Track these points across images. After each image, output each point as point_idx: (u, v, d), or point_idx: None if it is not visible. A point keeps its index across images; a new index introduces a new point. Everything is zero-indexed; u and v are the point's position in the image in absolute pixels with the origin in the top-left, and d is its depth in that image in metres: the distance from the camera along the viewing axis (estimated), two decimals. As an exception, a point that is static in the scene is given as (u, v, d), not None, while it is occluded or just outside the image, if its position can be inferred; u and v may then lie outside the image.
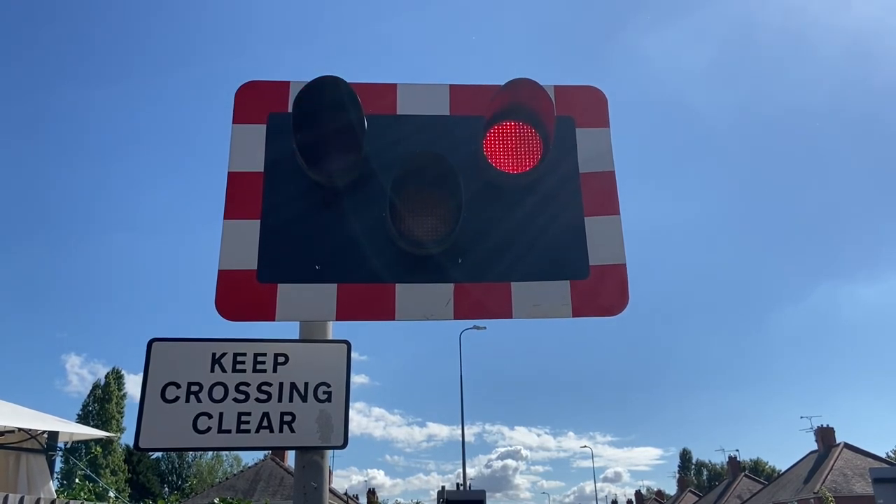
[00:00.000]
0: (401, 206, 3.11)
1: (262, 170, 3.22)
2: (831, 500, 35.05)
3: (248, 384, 3.08)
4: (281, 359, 3.15)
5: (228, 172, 3.20)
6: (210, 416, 3.01)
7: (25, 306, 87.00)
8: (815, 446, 46.12)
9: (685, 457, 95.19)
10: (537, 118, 3.26)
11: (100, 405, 63.09)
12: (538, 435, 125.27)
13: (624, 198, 3.31)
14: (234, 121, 3.31)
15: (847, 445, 43.09)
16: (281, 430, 3.03)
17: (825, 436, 44.97)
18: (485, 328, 34.25)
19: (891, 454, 61.90)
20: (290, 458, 36.02)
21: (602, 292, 3.15)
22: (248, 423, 3.02)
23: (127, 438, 60.12)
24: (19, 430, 8.00)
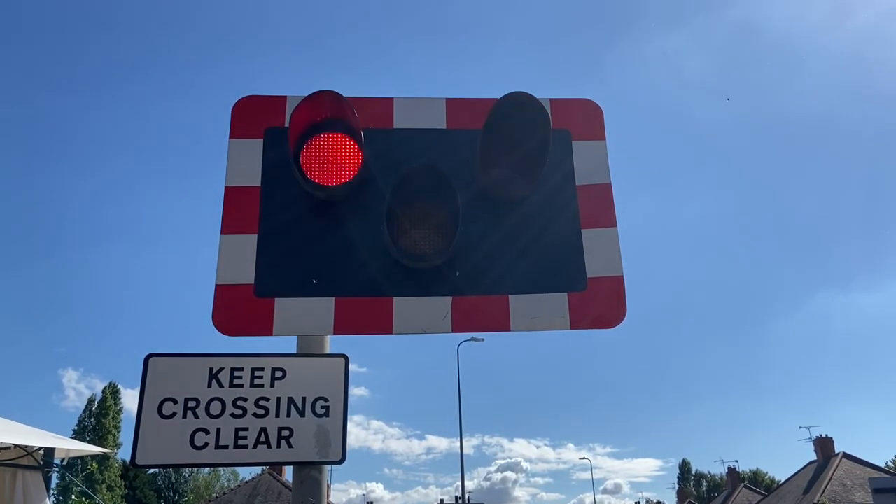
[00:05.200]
0: (398, 219, 3.11)
1: (259, 184, 3.22)
2: (831, 511, 34.89)
3: (245, 399, 3.07)
4: (278, 373, 3.14)
5: (225, 187, 3.20)
6: (207, 432, 2.99)
7: (23, 321, 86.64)
8: (813, 456, 45.90)
9: (684, 468, 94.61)
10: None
11: (96, 420, 62.69)
12: (537, 447, 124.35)
13: (619, 207, 3.33)
14: (231, 135, 3.31)
15: (846, 455, 42.85)
16: (279, 446, 3.02)
17: (824, 446, 44.74)
18: (482, 340, 34.17)
19: (890, 464, 61.75)
20: (288, 473, 35.81)
21: (600, 304, 3.15)
22: (245, 438, 3.01)
23: (124, 454, 59.87)
24: (15, 446, 7.95)
